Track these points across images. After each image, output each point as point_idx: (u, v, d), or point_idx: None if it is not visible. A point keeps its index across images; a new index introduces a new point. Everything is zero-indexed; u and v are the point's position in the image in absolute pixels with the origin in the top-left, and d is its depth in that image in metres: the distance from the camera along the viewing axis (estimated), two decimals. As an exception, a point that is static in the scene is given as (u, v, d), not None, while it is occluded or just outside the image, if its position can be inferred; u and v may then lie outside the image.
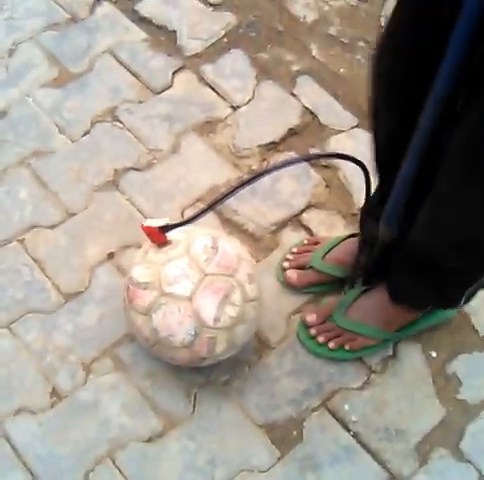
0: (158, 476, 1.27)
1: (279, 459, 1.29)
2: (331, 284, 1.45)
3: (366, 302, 1.38)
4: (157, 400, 1.34)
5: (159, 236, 1.21)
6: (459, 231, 1.07)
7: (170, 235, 1.22)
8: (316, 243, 1.48)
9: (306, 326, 1.40)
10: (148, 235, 1.22)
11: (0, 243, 1.50)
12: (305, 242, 1.49)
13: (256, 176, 1.12)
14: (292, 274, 1.44)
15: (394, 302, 1.32)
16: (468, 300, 1.26)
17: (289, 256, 1.47)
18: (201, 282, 1.18)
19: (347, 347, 1.37)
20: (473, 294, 1.24)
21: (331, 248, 1.44)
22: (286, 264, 1.46)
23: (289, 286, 1.45)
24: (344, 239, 1.46)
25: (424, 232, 1.15)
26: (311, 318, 1.39)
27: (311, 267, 1.43)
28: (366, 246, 1.39)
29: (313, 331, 1.39)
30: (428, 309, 1.36)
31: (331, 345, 1.37)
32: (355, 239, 1.44)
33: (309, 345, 1.39)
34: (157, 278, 1.19)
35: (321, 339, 1.38)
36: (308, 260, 1.44)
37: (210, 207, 1.15)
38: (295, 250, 1.47)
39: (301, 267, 1.44)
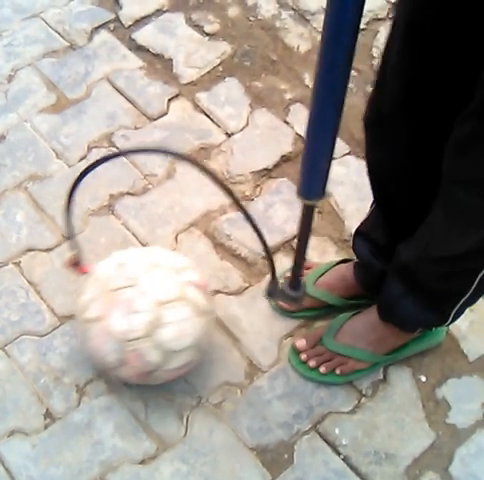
0: (150, 498, 1.28)
1: (270, 482, 1.31)
2: (322, 309, 1.46)
3: (356, 325, 1.40)
4: (150, 422, 1.35)
5: (79, 268, 1.31)
6: (438, 249, 1.10)
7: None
8: (308, 268, 1.49)
9: (297, 351, 1.41)
10: (73, 270, 1.32)
11: (-4, 266, 1.52)
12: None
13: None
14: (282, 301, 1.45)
15: (383, 319, 1.33)
16: (456, 318, 1.26)
17: (281, 281, 1.49)
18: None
19: (337, 371, 1.38)
20: (461, 312, 1.25)
21: (322, 273, 1.46)
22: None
23: (281, 310, 1.47)
24: (335, 265, 1.48)
25: (408, 249, 1.18)
26: (301, 343, 1.41)
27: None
28: (360, 267, 1.42)
29: (304, 356, 1.40)
30: (418, 333, 1.38)
31: (322, 370, 1.38)
32: (347, 265, 1.46)
33: (301, 370, 1.40)
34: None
35: (312, 364, 1.39)
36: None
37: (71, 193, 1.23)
38: (288, 275, 1.49)
39: None
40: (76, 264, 1.31)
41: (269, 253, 1.27)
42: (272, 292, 1.33)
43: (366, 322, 1.38)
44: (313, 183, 0.98)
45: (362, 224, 1.37)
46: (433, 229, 1.09)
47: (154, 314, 1.21)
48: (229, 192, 1.08)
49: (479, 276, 1.11)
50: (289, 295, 1.30)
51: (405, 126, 1.04)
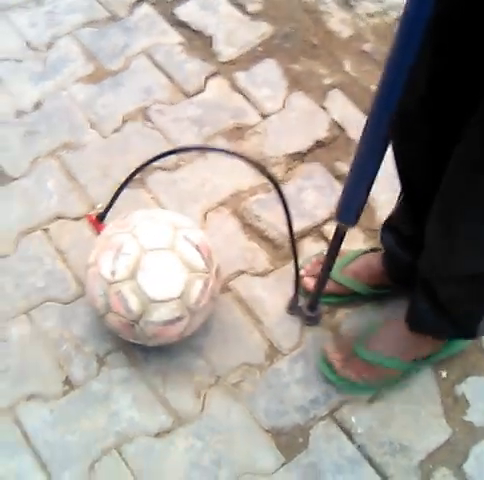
0: (163, 471, 1.29)
1: (283, 464, 1.31)
2: (347, 296, 1.46)
3: (387, 333, 1.38)
4: (167, 397, 1.36)
5: (98, 225, 1.38)
6: (445, 269, 1.10)
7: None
8: None
9: (327, 359, 1.39)
10: (92, 225, 1.40)
11: (25, 231, 1.53)
12: (322, 254, 1.51)
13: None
14: (309, 281, 1.44)
15: (412, 330, 1.32)
16: (483, 332, 1.26)
17: (307, 265, 1.49)
18: (101, 245, 1.28)
19: (368, 377, 1.36)
20: None
21: (350, 261, 1.46)
22: (303, 272, 1.47)
23: (305, 293, 1.47)
24: (363, 253, 1.47)
25: (428, 262, 1.18)
26: (334, 356, 1.38)
27: (329, 278, 1.44)
28: (387, 258, 1.41)
29: (338, 366, 1.37)
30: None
31: (360, 382, 1.37)
32: (374, 254, 1.45)
33: (332, 378, 1.38)
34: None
35: (353, 377, 1.36)
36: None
37: (125, 183, 1.34)
38: (314, 260, 1.49)
39: (316, 276, 1.45)
40: (97, 219, 1.38)
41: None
42: (292, 307, 1.43)
43: (397, 330, 1.36)
44: (349, 211, 1.09)
45: (389, 218, 1.37)
46: (449, 248, 1.09)
47: (138, 258, 1.23)
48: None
49: None
50: (306, 315, 1.43)
51: (427, 123, 1.04)
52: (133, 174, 1.29)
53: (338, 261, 1.44)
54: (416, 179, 1.20)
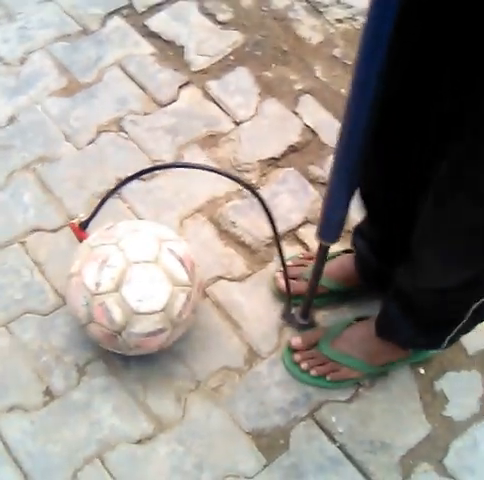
0: (146, 477, 1.29)
1: (265, 466, 1.31)
2: (323, 296, 1.46)
3: (354, 334, 1.40)
4: (148, 404, 1.36)
5: (80, 232, 1.38)
6: (426, 282, 1.12)
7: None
8: (310, 258, 1.49)
9: (291, 350, 1.41)
10: (74, 232, 1.40)
11: (2, 244, 1.54)
12: (300, 256, 1.52)
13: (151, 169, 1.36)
14: (284, 282, 1.46)
15: (379, 336, 1.34)
16: (451, 343, 1.26)
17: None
18: (85, 256, 1.28)
19: (328, 378, 1.38)
20: (456, 338, 1.25)
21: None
22: (278, 274, 1.48)
23: (280, 293, 1.48)
24: (338, 254, 1.49)
25: (402, 277, 1.20)
26: (296, 342, 1.40)
27: (304, 279, 1.45)
28: (359, 261, 1.43)
29: (297, 357, 1.40)
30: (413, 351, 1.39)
31: (313, 372, 1.38)
32: (348, 255, 1.47)
33: (292, 370, 1.41)
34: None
35: (304, 366, 1.39)
36: (302, 272, 1.46)
37: (111, 193, 1.33)
38: (290, 263, 1.50)
39: (294, 278, 1.45)
40: (80, 227, 1.38)
41: (287, 281, 1.33)
42: (286, 316, 1.46)
43: (365, 333, 1.38)
44: (330, 230, 1.13)
45: (360, 223, 1.38)
46: (418, 264, 1.11)
47: (123, 270, 1.24)
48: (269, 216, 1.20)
49: (472, 308, 1.12)
50: (299, 323, 1.45)
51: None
52: (123, 183, 1.31)
53: (312, 263, 1.45)
54: (377, 195, 1.22)
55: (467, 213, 0.92)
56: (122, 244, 1.27)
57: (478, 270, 1.01)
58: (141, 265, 1.25)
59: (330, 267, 1.44)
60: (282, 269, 1.47)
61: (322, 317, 1.48)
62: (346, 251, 1.49)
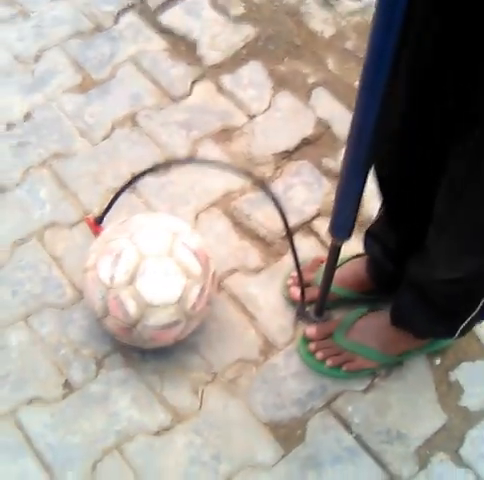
0: (164, 468, 1.31)
1: (282, 457, 1.33)
2: (334, 303, 1.45)
3: (368, 323, 1.40)
4: (165, 395, 1.38)
5: (95, 227, 1.40)
6: (440, 271, 1.11)
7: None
8: (322, 262, 1.47)
9: (307, 340, 1.42)
10: (89, 227, 1.41)
11: (20, 240, 1.56)
12: (310, 261, 1.51)
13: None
14: (296, 291, 1.44)
15: (393, 324, 1.34)
16: (464, 333, 1.27)
17: (293, 274, 1.49)
18: (100, 250, 1.30)
19: (344, 368, 1.38)
20: (469, 328, 1.25)
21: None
22: (290, 281, 1.48)
23: (293, 302, 1.47)
24: (348, 259, 1.47)
25: (415, 267, 1.20)
26: (311, 331, 1.41)
27: (317, 285, 1.41)
28: (372, 265, 1.42)
29: (312, 346, 1.40)
30: (428, 340, 1.38)
31: (328, 363, 1.38)
32: (360, 259, 1.46)
33: (307, 360, 1.41)
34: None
35: (319, 356, 1.39)
36: (313, 278, 1.45)
37: (125, 188, 1.36)
38: (301, 268, 1.49)
39: (305, 285, 1.43)
40: (95, 222, 1.39)
41: (301, 279, 1.34)
42: (300, 313, 1.45)
43: (379, 322, 1.38)
44: (342, 227, 1.12)
45: (372, 225, 1.37)
46: (433, 253, 1.10)
47: (137, 264, 1.25)
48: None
49: None
50: (313, 320, 1.44)
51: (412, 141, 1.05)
52: (136, 178, 1.33)
53: (323, 269, 1.44)
54: (395, 189, 1.21)
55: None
56: (136, 238, 1.28)
57: None
58: (155, 258, 1.26)
59: (341, 274, 1.42)
60: (293, 274, 1.48)
61: (337, 315, 1.48)
62: (358, 255, 1.47)
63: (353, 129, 0.93)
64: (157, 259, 1.26)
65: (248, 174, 1.26)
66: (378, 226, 1.34)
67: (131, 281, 1.25)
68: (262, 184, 1.23)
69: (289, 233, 1.26)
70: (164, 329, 1.29)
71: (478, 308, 1.15)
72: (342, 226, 1.12)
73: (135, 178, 1.33)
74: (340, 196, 1.06)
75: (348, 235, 1.13)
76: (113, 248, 1.28)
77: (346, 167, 0.99)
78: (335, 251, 1.21)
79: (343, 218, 1.10)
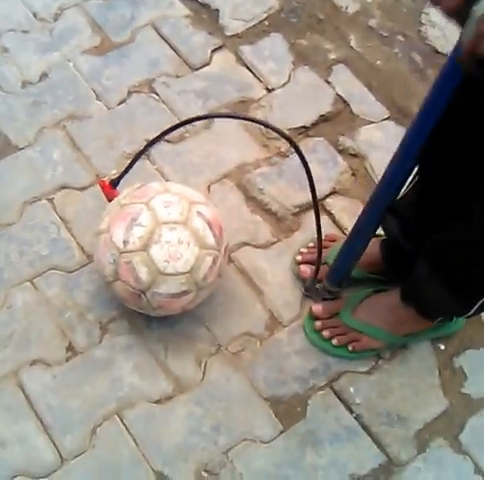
0: (163, 437, 1.31)
1: (281, 432, 1.33)
2: None
3: (375, 303, 1.39)
4: (168, 364, 1.38)
5: (110, 190, 1.37)
6: (473, 233, 1.09)
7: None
8: (333, 240, 1.48)
9: (313, 318, 1.42)
10: (102, 190, 1.39)
11: (30, 200, 1.54)
12: (323, 239, 1.50)
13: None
14: (306, 269, 1.44)
15: (403, 300, 1.32)
16: (480, 311, 1.25)
17: (304, 250, 1.48)
18: (115, 213, 1.29)
19: (350, 347, 1.38)
20: None
21: None
22: (299, 258, 1.47)
23: (302, 280, 1.47)
24: None
25: (443, 232, 1.17)
26: (317, 309, 1.40)
27: (326, 263, 1.42)
28: (387, 245, 1.41)
29: (318, 324, 1.40)
30: (436, 323, 1.36)
31: (334, 342, 1.38)
32: (373, 239, 1.42)
33: (313, 338, 1.41)
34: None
35: (326, 334, 1.39)
36: (324, 256, 1.43)
37: (145, 149, 1.34)
38: (311, 244, 1.48)
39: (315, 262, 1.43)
40: (111, 185, 1.37)
41: (320, 253, 1.35)
42: (309, 289, 1.44)
43: (386, 302, 1.37)
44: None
45: (396, 201, 1.33)
46: (473, 213, 1.08)
47: (152, 230, 1.24)
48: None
49: None
50: (324, 297, 1.44)
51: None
52: (154, 140, 1.31)
53: (335, 247, 1.42)
54: (439, 167, 1.18)
55: None
56: (152, 204, 1.27)
57: None
58: (170, 226, 1.25)
59: None
60: (303, 250, 1.47)
61: (344, 294, 1.47)
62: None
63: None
64: (172, 227, 1.25)
65: (282, 133, 1.23)
66: (404, 202, 1.30)
67: (145, 247, 1.24)
68: (295, 146, 1.21)
69: (315, 203, 1.26)
70: (174, 298, 1.28)
71: None
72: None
73: (157, 138, 1.31)
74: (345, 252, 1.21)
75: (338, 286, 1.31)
76: (129, 212, 1.27)
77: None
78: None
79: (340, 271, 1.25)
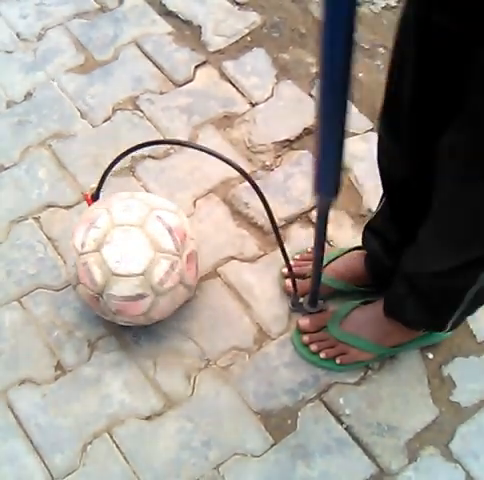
0: (154, 453, 1.31)
1: (272, 446, 1.33)
2: (330, 295, 1.45)
3: (362, 315, 1.39)
4: (158, 380, 1.38)
5: (91, 203, 1.40)
6: (427, 265, 1.12)
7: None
8: None
9: (301, 332, 1.42)
10: (87, 204, 1.41)
11: (17, 219, 1.55)
12: (308, 250, 1.50)
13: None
14: (290, 283, 1.43)
15: (387, 315, 1.33)
16: (454, 326, 1.27)
17: (291, 262, 1.48)
18: (80, 219, 1.34)
19: (338, 361, 1.38)
20: (459, 321, 1.26)
21: (333, 259, 1.45)
22: (286, 271, 1.46)
23: (288, 293, 1.47)
24: (347, 252, 1.47)
25: (407, 258, 1.19)
26: (304, 322, 1.41)
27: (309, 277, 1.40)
28: (371, 260, 1.42)
29: (306, 338, 1.40)
30: (422, 332, 1.37)
31: (322, 355, 1.38)
32: (359, 252, 1.45)
33: (302, 351, 1.41)
34: None
35: (313, 348, 1.39)
36: (309, 269, 1.41)
37: (117, 160, 1.33)
38: (297, 257, 1.49)
39: (301, 276, 1.44)
40: (92, 198, 1.39)
41: (291, 270, 1.34)
42: (294, 304, 1.45)
43: (372, 314, 1.37)
44: (327, 182, 0.91)
45: (372, 219, 1.36)
46: (422, 245, 1.11)
47: (106, 232, 1.26)
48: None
49: (469, 292, 1.12)
50: (308, 311, 1.43)
51: (412, 123, 1.04)
52: (124, 154, 1.31)
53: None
54: (398, 180, 1.19)
55: (470, 196, 0.92)
56: (112, 208, 1.29)
57: (473, 256, 1.01)
58: (124, 228, 1.27)
59: (337, 266, 1.43)
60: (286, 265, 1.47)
61: (331, 307, 1.47)
62: (357, 248, 1.46)
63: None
64: (126, 229, 1.27)
65: (231, 164, 1.24)
66: (378, 220, 1.33)
67: (98, 248, 1.26)
68: (246, 175, 1.22)
69: (274, 225, 1.26)
70: (128, 301, 1.27)
71: (464, 303, 1.15)
72: (327, 180, 0.91)
73: (129, 151, 1.31)
74: (321, 146, 0.86)
75: (335, 192, 0.92)
76: (90, 217, 1.30)
77: (321, 109, 0.79)
78: (324, 212, 1.05)
79: (327, 170, 0.89)
